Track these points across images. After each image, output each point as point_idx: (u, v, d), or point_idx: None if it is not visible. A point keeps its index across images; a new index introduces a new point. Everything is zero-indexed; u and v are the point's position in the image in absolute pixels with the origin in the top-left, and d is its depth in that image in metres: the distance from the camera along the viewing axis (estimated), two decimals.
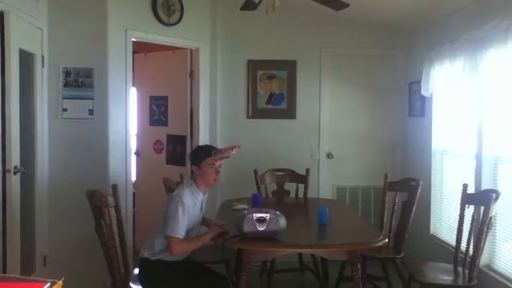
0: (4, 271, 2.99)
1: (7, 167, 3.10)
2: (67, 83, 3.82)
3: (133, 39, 4.13)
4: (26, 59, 3.47)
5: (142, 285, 2.79)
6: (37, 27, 3.62)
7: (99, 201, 2.71)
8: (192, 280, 2.82)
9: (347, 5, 3.26)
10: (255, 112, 4.87)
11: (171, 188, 3.27)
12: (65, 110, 3.82)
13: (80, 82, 3.84)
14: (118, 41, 3.97)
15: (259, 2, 3.16)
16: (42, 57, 3.70)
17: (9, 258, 3.07)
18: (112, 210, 2.85)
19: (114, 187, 2.99)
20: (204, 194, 2.87)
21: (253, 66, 4.84)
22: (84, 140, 3.85)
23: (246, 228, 2.56)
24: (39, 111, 3.66)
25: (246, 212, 2.66)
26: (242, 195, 3.94)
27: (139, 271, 2.82)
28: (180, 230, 2.64)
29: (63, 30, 3.79)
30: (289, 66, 4.84)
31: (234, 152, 2.80)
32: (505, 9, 2.94)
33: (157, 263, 2.74)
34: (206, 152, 2.83)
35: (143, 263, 2.78)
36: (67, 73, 3.82)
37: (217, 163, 2.81)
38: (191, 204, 2.75)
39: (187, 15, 4.45)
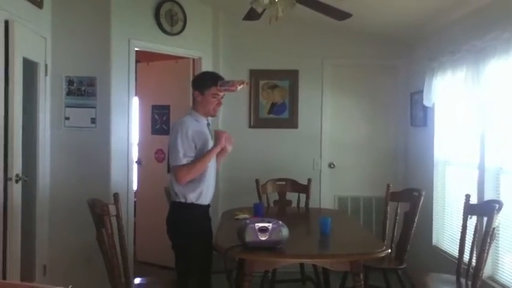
0: (4, 279, 2.97)
1: (9, 175, 3.10)
2: (70, 91, 3.84)
3: (136, 49, 4.15)
4: (30, 68, 3.49)
5: (176, 228, 2.77)
6: (41, 36, 3.65)
7: (100, 210, 2.70)
8: None
9: (350, 15, 3.28)
10: (257, 122, 4.87)
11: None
12: (67, 118, 3.83)
13: (83, 91, 3.85)
14: (121, 50, 3.99)
15: (262, 12, 3.17)
16: (46, 66, 3.72)
17: (9, 266, 3.06)
18: (113, 219, 2.84)
19: (116, 196, 2.98)
20: (207, 121, 2.84)
21: (256, 75, 4.86)
22: (86, 148, 3.85)
23: (248, 238, 2.55)
24: (41, 120, 3.67)
25: (248, 221, 2.65)
26: (244, 205, 3.92)
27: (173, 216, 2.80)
28: (180, 157, 2.64)
29: (67, 39, 3.81)
30: (291, 76, 4.86)
31: (241, 87, 2.69)
32: (506, 20, 2.96)
33: (191, 206, 2.74)
34: (213, 80, 2.74)
35: (175, 207, 2.77)
36: (70, 82, 3.84)
37: (221, 94, 2.74)
38: (196, 126, 2.73)
39: (190, 25, 4.48)
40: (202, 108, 2.77)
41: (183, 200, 2.73)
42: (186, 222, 2.74)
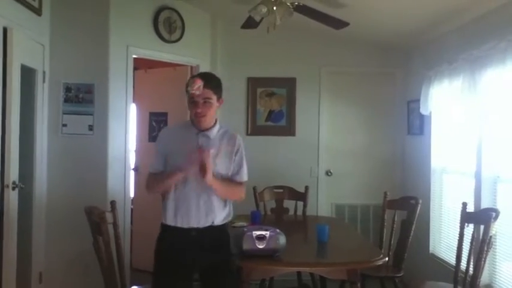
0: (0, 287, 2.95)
1: (5, 182, 3.09)
2: (67, 98, 3.84)
3: (134, 56, 4.16)
4: (28, 75, 3.49)
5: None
6: (39, 43, 3.65)
7: (97, 217, 2.69)
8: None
9: (347, 24, 3.31)
10: (255, 129, 4.88)
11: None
12: (64, 125, 3.83)
13: (80, 98, 3.85)
14: (119, 58, 4.00)
15: (260, 21, 3.20)
16: (44, 72, 3.72)
17: (5, 274, 3.04)
18: (110, 227, 2.83)
19: (113, 203, 2.97)
20: (203, 131, 2.38)
21: (253, 83, 4.87)
22: (83, 155, 3.85)
23: (246, 245, 2.54)
24: (39, 127, 3.67)
25: (245, 229, 2.65)
26: (241, 212, 3.91)
27: None
28: (153, 164, 2.42)
29: (65, 46, 3.82)
30: (289, 83, 4.88)
31: (192, 90, 2.28)
32: (503, 30, 2.98)
33: (163, 227, 2.43)
34: (186, 84, 2.34)
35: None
36: (68, 89, 3.84)
37: (197, 98, 2.29)
38: (177, 136, 2.42)
39: (188, 32, 4.49)
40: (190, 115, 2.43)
41: (162, 220, 2.43)
42: (157, 245, 2.46)
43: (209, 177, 2.24)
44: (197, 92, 2.27)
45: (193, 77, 2.39)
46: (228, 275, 2.42)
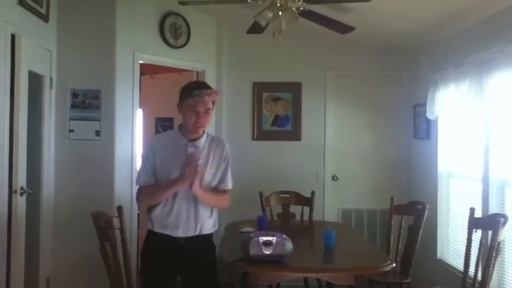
0: None
1: (13, 188, 3.11)
2: (74, 104, 3.87)
3: (140, 62, 4.18)
4: (35, 81, 3.52)
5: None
6: (46, 49, 3.68)
7: (104, 222, 2.69)
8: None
9: (353, 29, 3.31)
10: (260, 134, 4.88)
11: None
12: (71, 131, 3.85)
13: (87, 103, 3.87)
14: (125, 63, 4.02)
15: (266, 26, 3.20)
16: (51, 79, 3.75)
17: (13, 279, 3.05)
18: (117, 232, 2.83)
19: (119, 209, 2.97)
20: (191, 140, 2.36)
21: (259, 88, 4.88)
22: (90, 161, 3.86)
23: (252, 251, 2.53)
24: (46, 132, 3.69)
25: (252, 235, 2.64)
26: (247, 218, 3.91)
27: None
28: (140, 178, 2.38)
29: (72, 52, 3.85)
30: (295, 88, 4.88)
31: (210, 100, 2.28)
32: (509, 34, 2.96)
33: (150, 234, 2.41)
34: (188, 90, 2.31)
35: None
36: (74, 94, 3.86)
37: (200, 108, 2.27)
38: (165, 147, 2.36)
39: (194, 38, 4.51)
40: (184, 124, 2.37)
41: (149, 226, 2.42)
42: (144, 246, 2.48)
43: (196, 186, 2.23)
44: (207, 99, 2.27)
45: (191, 85, 2.38)
46: (210, 279, 2.45)
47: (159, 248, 2.39)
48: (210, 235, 2.45)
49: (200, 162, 2.24)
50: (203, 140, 2.41)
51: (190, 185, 2.21)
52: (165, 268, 2.37)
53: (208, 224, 2.42)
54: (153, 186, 2.37)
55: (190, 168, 2.19)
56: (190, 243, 2.37)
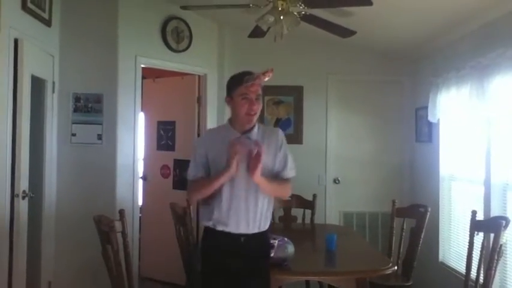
0: None
1: (15, 192, 3.12)
2: (76, 108, 3.88)
3: (142, 66, 4.20)
4: (38, 85, 3.53)
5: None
6: (49, 54, 3.70)
7: (106, 226, 2.70)
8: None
9: (354, 33, 3.32)
10: None
11: (177, 213, 3.26)
12: (73, 135, 3.87)
13: (89, 107, 3.89)
14: (128, 67, 4.04)
15: (268, 30, 3.22)
16: (53, 83, 3.77)
17: (15, 282, 3.06)
18: (119, 236, 2.84)
19: (121, 212, 2.98)
20: (243, 133, 2.29)
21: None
22: (92, 164, 3.88)
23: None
24: (48, 136, 3.70)
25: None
26: None
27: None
28: (191, 171, 2.35)
29: (74, 56, 3.87)
30: (296, 92, 4.89)
31: (266, 77, 2.23)
32: (510, 39, 2.97)
33: (208, 231, 2.33)
34: (238, 79, 2.28)
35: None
36: (77, 99, 3.88)
37: (252, 94, 2.23)
38: (218, 140, 2.29)
39: (196, 42, 4.53)
40: (236, 116, 2.32)
41: (207, 224, 2.34)
42: (203, 246, 2.39)
43: (257, 174, 2.15)
44: (262, 78, 2.21)
45: (239, 74, 2.31)
46: (264, 280, 2.36)
47: (220, 246, 2.30)
48: (266, 231, 2.38)
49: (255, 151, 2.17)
50: (255, 131, 2.33)
51: (253, 173, 2.14)
52: (227, 267, 2.29)
53: (266, 219, 2.35)
54: (202, 180, 2.31)
55: (235, 157, 2.14)
56: (250, 240, 2.29)
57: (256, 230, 2.30)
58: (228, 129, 2.34)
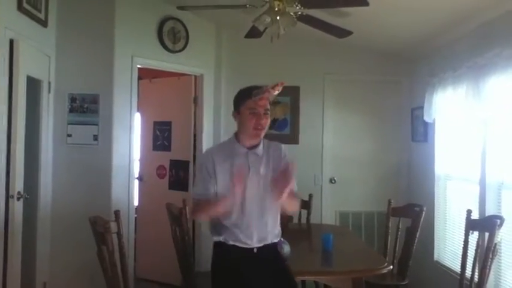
0: None
1: (10, 193, 3.11)
2: (72, 108, 3.88)
3: (138, 66, 4.20)
4: (33, 85, 3.52)
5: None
6: (45, 54, 3.69)
7: (102, 227, 2.70)
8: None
9: (350, 33, 3.33)
10: None
11: (173, 213, 3.26)
12: (69, 135, 3.86)
13: (85, 108, 3.88)
14: (124, 68, 4.03)
15: (264, 30, 3.22)
16: (49, 83, 3.76)
17: (9, 284, 3.05)
18: (114, 236, 2.84)
19: (117, 213, 2.97)
20: (250, 149, 2.28)
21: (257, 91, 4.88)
22: (88, 165, 3.87)
23: None
24: (44, 137, 3.69)
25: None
26: None
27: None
28: (197, 190, 2.29)
29: (71, 57, 3.86)
30: (293, 92, 4.89)
31: (275, 91, 2.16)
32: (506, 39, 2.99)
33: (217, 245, 2.29)
34: (246, 93, 2.23)
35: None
36: (73, 99, 3.88)
37: (260, 108, 2.21)
38: (226, 158, 2.26)
39: (192, 42, 4.53)
40: (243, 131, 2.29)
41: (218, 238, 2.29)
42: (213, 265, 2.33)
43: (285, 194, 2.12)
44: (272, 93, 2.16)
45: (248, 88, 2.27)
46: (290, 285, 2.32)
47: (233, 261, 2.25)
48: (276, 243, 2.36)
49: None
50: (261, 147, 2.32)
51: (281, 192, 2.10)
52: (243, 284, 2.25)
53: (276, 230, 2.35)
54: (203, 203, 2.26)
55: (237, 189, 2.09)
56: (263, 252, 2.27)
57: (269, 242, 2.30)
58: (234, 144, 2.31)
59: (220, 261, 2.31)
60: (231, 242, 2.25)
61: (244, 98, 2.24)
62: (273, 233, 2.33)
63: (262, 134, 2.28)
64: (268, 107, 2.25)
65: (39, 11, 3.52)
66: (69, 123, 3.86)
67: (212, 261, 2.35)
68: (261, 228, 2.28)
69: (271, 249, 2.32)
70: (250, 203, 2.25)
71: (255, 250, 2.27)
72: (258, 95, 2.17)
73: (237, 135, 2.34)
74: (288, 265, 2.37)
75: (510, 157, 3.13)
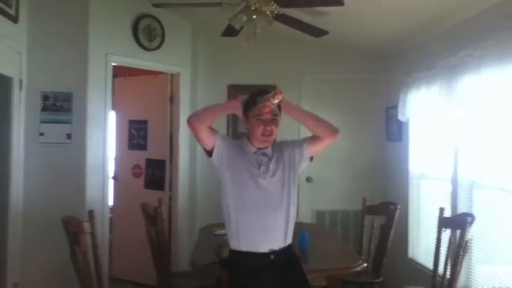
0: None
1: None
2: (45, 107, 3.79)
3: (113, 64, 4.14)
4: (4, 83, 3.43)
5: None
6: (16, 50, 3.60)
7: (75, 227, 2.66)
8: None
9: (326, 32, 3.35)
10: (236, 136, 4.87)
11: (148, 213, 3.23)
12: (42, 134, 3.77)
13: (58, 106, 3.80)
14: (98, 65, 3.97)
15: (240, 29, 3.21)
16: (20, 81, 3.66)
17: None
18: (88, 237, 2.79)
19: (91, 213, 2.93)
20: (259, 149, 2.29)
21: (233, 90, 4.87)
22: (61, 164, 3.79)
23: (225, 254, 2.53)
24: (15, 135, 3.60)
25: (225, 237, 2.64)
26: (222, 220, 3.90)
27: None
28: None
29: (43, 54, 3.77)
30: (270, 91, 4.88)
31: (275, 100, 2.17)
32: (478, 39, 3.05)
33: (234, 254, 2.25)
34: (252, 100, 2.23)
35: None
36: (45, 97, 3.79)
37: (266, 115, 2.22)
38: (236, 151, 2.29)
39: (169, 40, 4.49)
40: (252, 135, 2.29)
41: (232, 246, 2.27)
42: (232, 278, 2.28)
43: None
44: (273, 101, 2.18)
45: (253, 94, 2.27)
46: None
47: (249, 269, 2.22)
48: (291, 245, 2.33)
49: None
50: (270, 148, 2.34)
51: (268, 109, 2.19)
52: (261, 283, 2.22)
53: (291, 233, 2.30)
54: (213, 105, 2.37)
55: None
56: (279, 257, 2.23)
57: (283, 245, 2.25)
58: (245, 144, 2.33)
59: (236, 269, 2.27)
60: (245, 249, 2.22)
61: (250, 105, 2.26)
62: (289, 234, 2.28)
63: (271, 139, 2.30)
64: (277, 112, 2.26)
65: (10, 6, 3.42)
66: (41, 122, 3.78)
67: (228, 270, 2.30)
68: (277, 230, 2.24)
69: (287, 253, 2.27)
70: (264, 202, 2.23)
71: (272, 256, 2.21)
72: (261, 103, 2.19)
73: (248, 137, 2.35)
74: (303, 269, 2.35)
75: (482, 156, 3.20)
